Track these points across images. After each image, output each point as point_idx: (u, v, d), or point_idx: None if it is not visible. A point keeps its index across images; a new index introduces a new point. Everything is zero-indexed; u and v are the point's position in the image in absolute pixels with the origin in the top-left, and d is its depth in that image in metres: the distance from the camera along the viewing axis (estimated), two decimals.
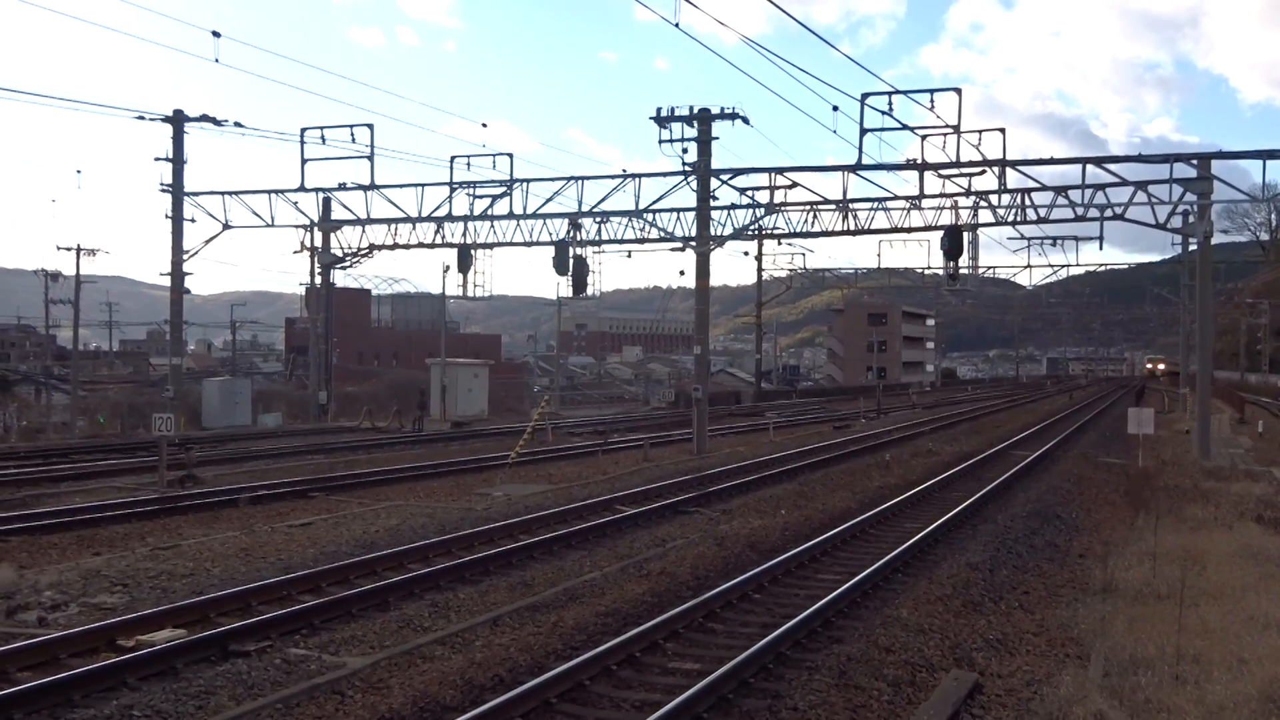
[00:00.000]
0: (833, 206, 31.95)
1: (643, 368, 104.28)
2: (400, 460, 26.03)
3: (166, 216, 34.72)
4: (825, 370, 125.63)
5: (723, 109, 28.87)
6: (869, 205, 32.16)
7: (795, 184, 30.85)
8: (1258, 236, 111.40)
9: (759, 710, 7.90)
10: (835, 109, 26.00)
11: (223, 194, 35.22)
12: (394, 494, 19.89)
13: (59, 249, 54.60)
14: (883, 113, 26.25)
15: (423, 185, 33.03)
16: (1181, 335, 58.75)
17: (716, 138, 29.07)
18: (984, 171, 28.31)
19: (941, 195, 29.95)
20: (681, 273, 65.69)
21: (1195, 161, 27.30)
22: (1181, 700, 7.58)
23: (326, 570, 12.26)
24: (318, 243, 37.89)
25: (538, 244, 32.62)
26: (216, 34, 27.12)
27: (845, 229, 32.13)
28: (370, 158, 32.11)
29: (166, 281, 35.89)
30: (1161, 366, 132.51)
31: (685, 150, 28.75)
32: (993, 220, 30.60)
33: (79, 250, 46.27)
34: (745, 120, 28.87)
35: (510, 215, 32.06)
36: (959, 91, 27.03)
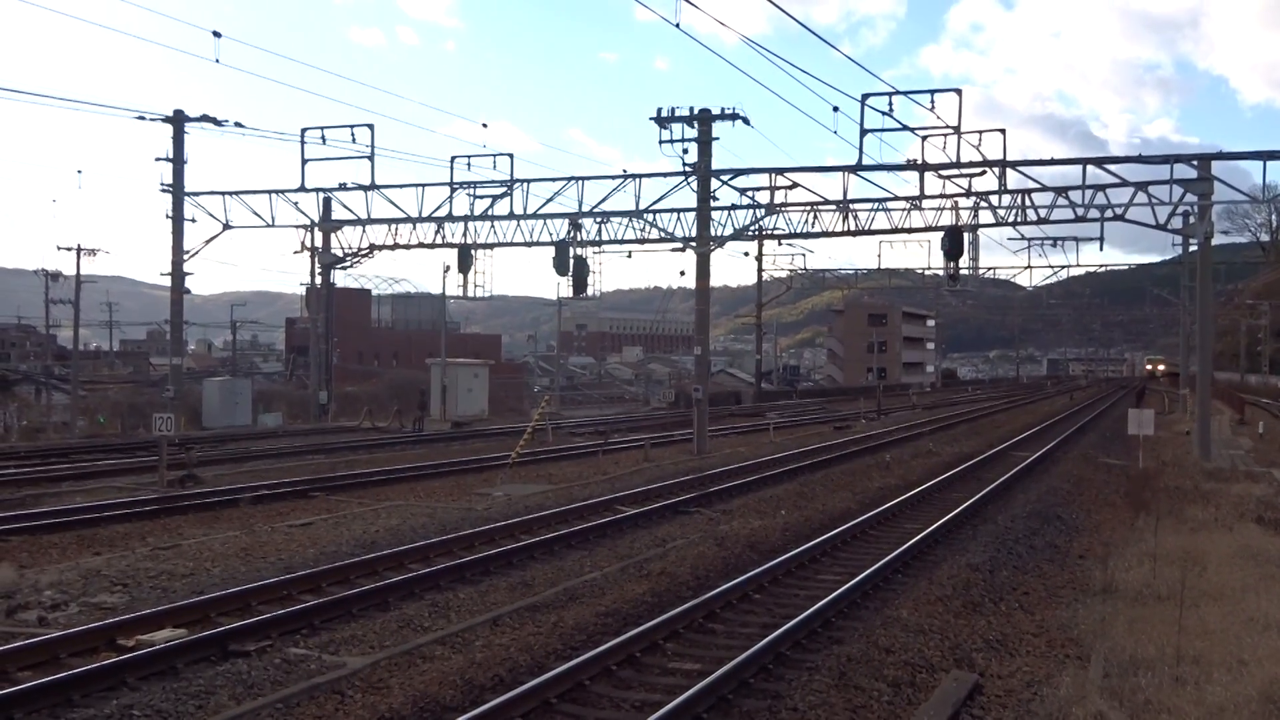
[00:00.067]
0: (833, 207, 31.96)
1: (643, 368, 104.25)
2: (400, 460, 26.03)
3: (167, 216, 34.75)
4: (825, 371, 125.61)
5: (723, 109, 28.89)
6: (869, 206, 32.20)
7: (795, 184, 30.89)
8: (1258, 237, 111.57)
9: (759, 711, 7.90)
10: (835, 109, 26.03)
11: (223, 194, 35.26)
12: (394, 494, 19.89)
13: (59, 249, 54.72)
14: (883, 113, 26.28)
15: (423, 185, 33.10)
16: (1181, 336, 58.77)
17: (717, 138, 29.12)
18: (984, 172, 28.32)
19: (942, 196, 29.98)
20: (682, 273, 65.64)
21: (1195, 162, 27.30)
22: (1181, 701, 7.58)
23: (327, 570, 12.26)
24: (318, 243, 37.90)
25: (538, 244, 32.65)
26: (217, 34, 27.16)
27: (845, 229, 32.14)
28: (370, 158, 32.15)
29: (167, 281, 35.91)
30: (1161, 367, 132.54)
31: (685, 151, 28.77)
32: (993, 221, 30.63)
33: (79, 250, 46.31)
34: (745, 121, 28.88)
35: (510, 215, 32.07)
36: (959, 92, 27.08)
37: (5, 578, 11.71)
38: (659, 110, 28.57)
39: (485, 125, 62.74)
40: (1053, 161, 29.05)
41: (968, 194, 29.54)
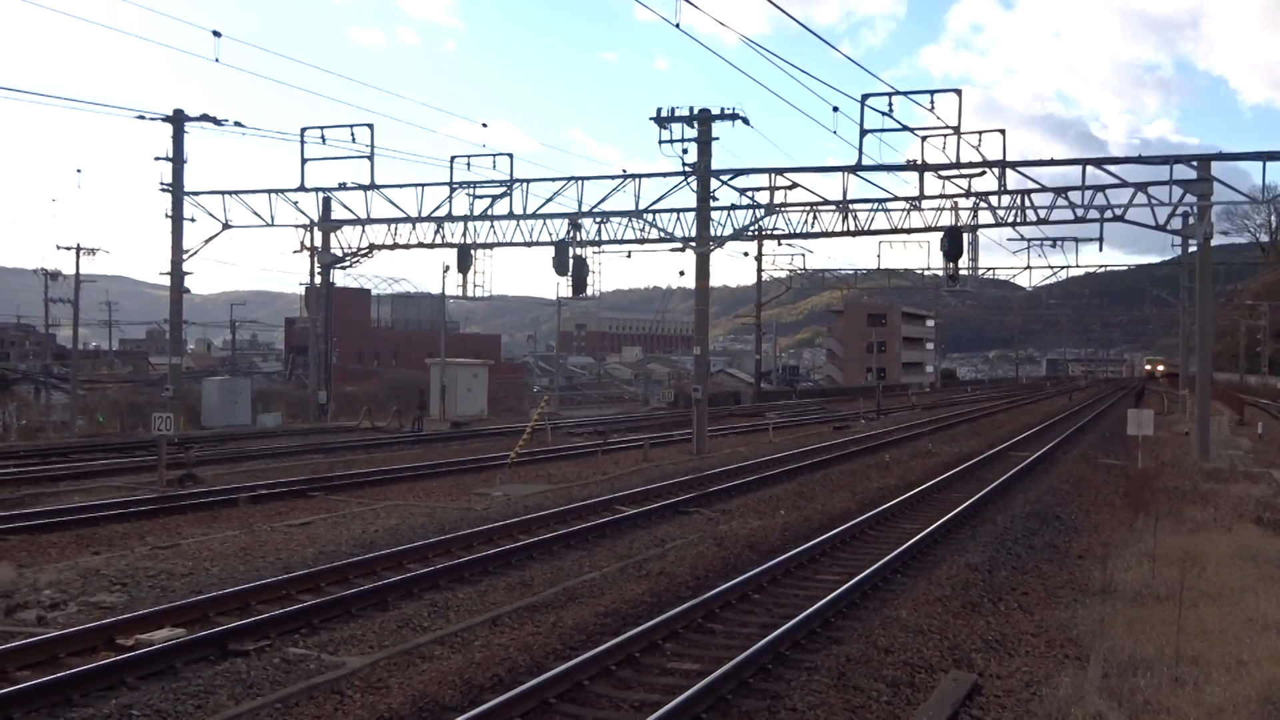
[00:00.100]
0: (833, 207, 31.95)
1: (642, 368, 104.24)
2: (400, 460, 26.03)
3: (166, 216, 34.75)
4: (825, 371, 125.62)
5: (723, 109, 28.90)
6: (869, 206, 32.18)
7: (795, 184, 30.87)
8: (1257, 238, 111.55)
9: (758, 711, 7.90)
10: (835, 110, 26.02)
11: (223, 193, 35.23)
12: (393, 494, 19.88)
13: (59, 248, 54.76)
14: (883, 113, 26.27)
15: (423, 185, 33.05)
16: (1181, 337, 58.78)
17: (716, 138, 29.12)
18: (984, 172, 28.32)
19: (941, 196, 29.96)
20: (681, 273, 65.70)
21: (1195, 163, 27.30)
22: (1180, 702, 7.58)
23: (326, 570, 12.25)
24: (318, 242, 37.89)
25: (538, 244, 32.62)
26: (217, 33, 27.15)
27: (845, 230, 32.12)
28: (370, 158, 32.12)
29: (166, 281, 35.91)
30: (1161, 368, 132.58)
31: (685, 151, 28.77)
32: (992, 221, 30.61)
33: (79, 249, 46.33)
34: (745, 121, 28.89)
35: (510, 215, 32.05)
36: (959, 92, 27.08)
37: (4, 577, 11.71)
38: (659, 110, 28.60)
39: (485, 125, 62.91)
40: (1052, 162, 29.06)
41: (967, 194, 29.55)
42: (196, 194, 35.27)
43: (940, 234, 30.69)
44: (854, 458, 28.12)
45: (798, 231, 33.63)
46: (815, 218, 32.59)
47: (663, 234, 31.68)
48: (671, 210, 31.32)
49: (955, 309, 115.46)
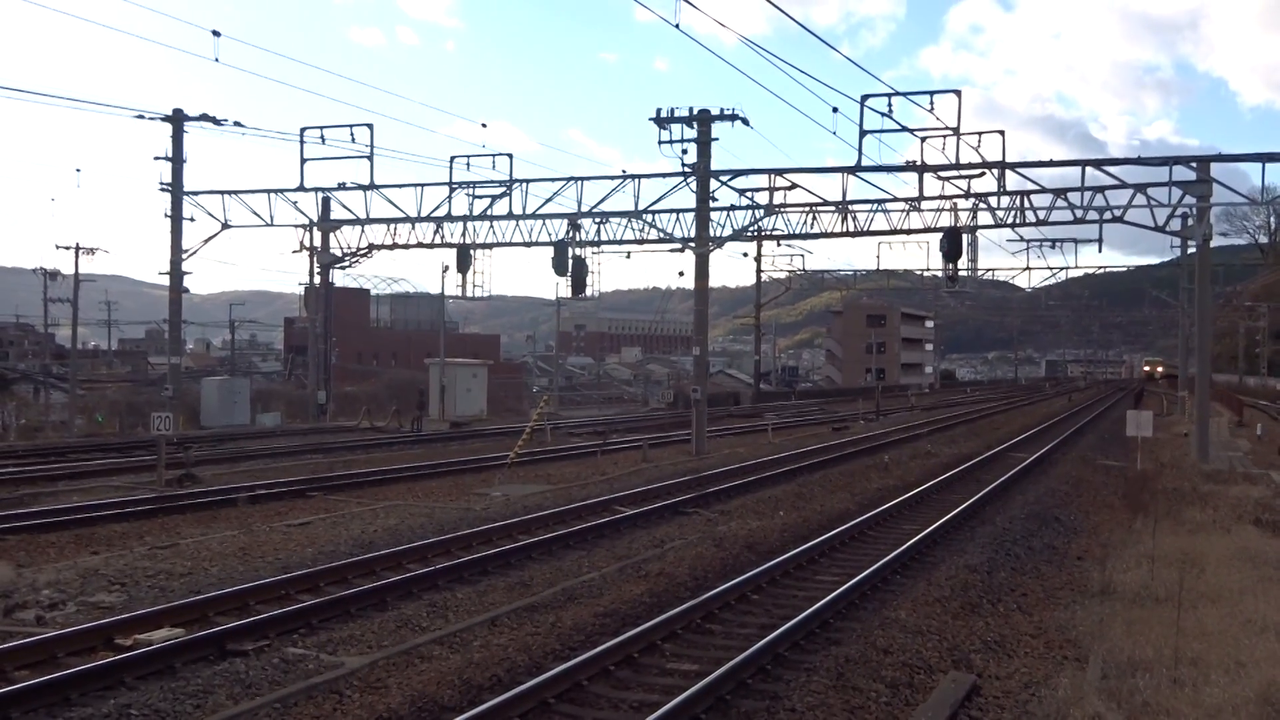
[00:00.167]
0: (832, 208, 31.94)
1: (641, 368, 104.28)
2: (399, 460, 26.02)
3: (166, 216, 34.73)
4: (824, 372, 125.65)
5: (722, 110, 28.88)
6: (868, 207, 32.18)
7: (795, 185, 30.85)
8: (1257, 239, 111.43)
9: (757, 711, 7.90)
10: (835, 110, 26.01)
11: (222, 193, 35.20)
12: (392, 494, 19.88)
13: (58, 248, 54.46)
14: (882, 114, 26.27)
15: (422, 185, 33.01)
16: (1180, 338, 58.76)
17: (716, 139, 29.11)
18: (983, 173, 28.31)
19: (941, 197, 29.95)
20: (681, 273, 65.78)
21: (1194, 164, 27.29)
22: (1179, 703, 7.58)
23: (325, 570, 12.25)
24: (317, 242, 37.87)
25: (537, 244, 32.61)
26: (217, 33, 27.15)
27: (844, 230, 32.12)
28: (370, 158, 32.09)
29: (165, 281, 35.89)
30: (1160, 369, 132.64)
31: (685, 151, 28.76)
32: (992, 222, 30.61)
33: (78, 249, 46.34)
34: (745, 121, 28.89)
35: (510, 215, 32.04)
36: (959, 93, 27.08)
37: (3, 577, 11.70)
38: (658, 111, 28.59)
39: (485, 125, 62.90)
40: (1052, 163, 29.02)
41: (967, 195, 29.55)
42: (196, 194, 35.28)
43: (939, 235, 30.69)
44: (853, 459, 28.12)
45: (797, 232, 33.65)
46: (815, 218, 32.60)
47: (662, 234, 31.68)
48: (671, 211, 31.34)
49: (954, 310, 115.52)
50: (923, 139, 27.34)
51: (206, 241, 35.71)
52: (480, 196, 32.27)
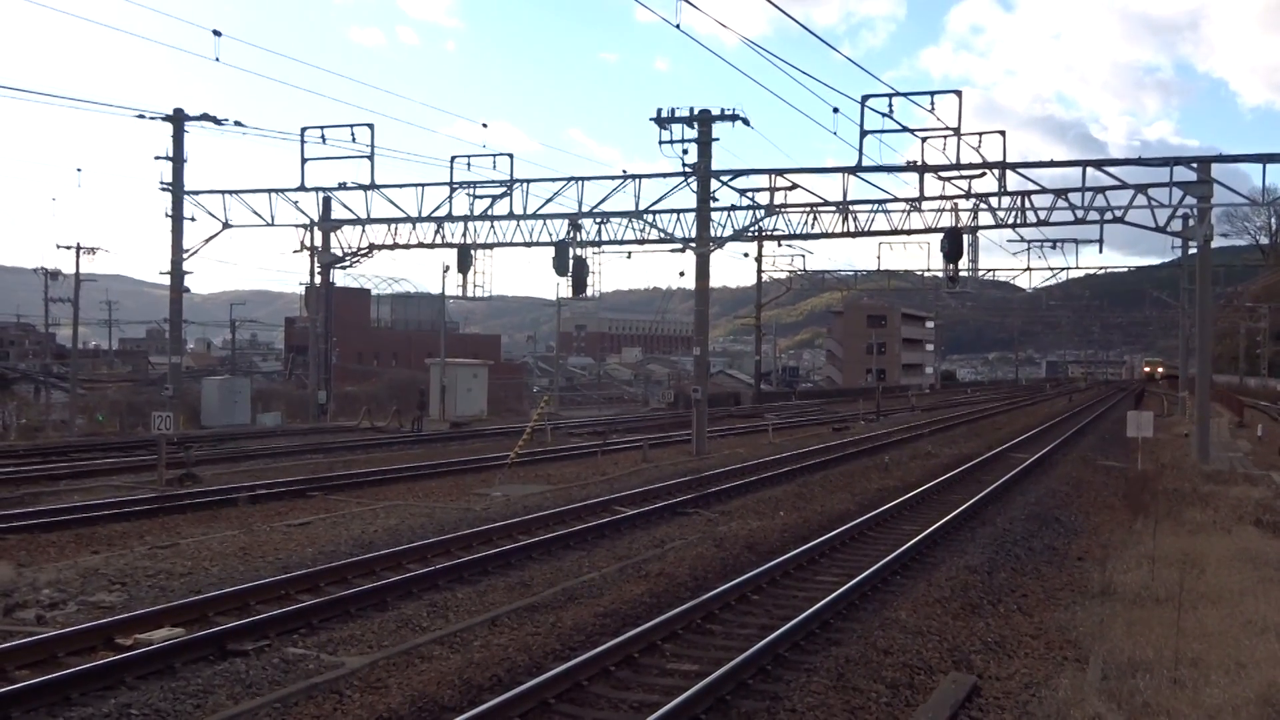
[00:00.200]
0: (833, 208, 31.93)
1: (642, 368, 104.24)
2: (399, 460, 26.02)
3: (166, 215, 34.73)
4: (824, 372, 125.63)
5: (723, 110, 28.88)
6: (869, 207, 32.16)
7: (795, 185, 30.85)
8: (1257, 240, 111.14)
9: (757, 712, 7.90)
10: (835, 111, 26.00)
11: (223, 193, 35.23)
12: (392, 494, 19.88)
13: (59, 247, 54.57)
14: (883, 115, 26.27)
15: (423, 185, 33.03)
16: (1181, 339, 58.75)
17: (717, 139, 29.11)
18: (984, 174, 28.32)
19: (941, 197, 29.95)
20: (681, 274, 65.60)
21: (1195, 165, 27.29)
22: (1179, 704, 7.58)
23: (325, 570, 12.25)
24: (317, 242, 37.88)
25: (538, 244, 32.61)
26: (217, 33, 27.16)
27: (845, 231, 32.11)
28: (370, 157, 32.12)
29: (166, 280, 35.88)
30: (1160, 370, 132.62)
31: (685, 151, 28.77)
32: (992, 223, 30.61)
33: (79, 248, 46.38)
34: (745, 121, 28.88)
35: (510, 215, 32.04)
36: (959, 94, 27.08)
37: (3, 576, 11.71)
38: (659, 111, 28.59)
39: (485, 125, 62.63)
40: (1052, 164, 29.02)
41: (967, 195, 29.55)
42: (196, 193, 35.30)
43: (940, 235, 30.67)
44: (853, 459, 28.12)
45: (798, 232, 33.63)
46: (815, 219, 32.59)
47: (663, 235, 31.68)
48: (671, 211, 31.35)
49: (955, 310, 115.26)
50: (923, 139, 27.35)
51: (207, 241, 35.78)
52: (481, 196, 32.30)
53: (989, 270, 61.95)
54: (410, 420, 38.37)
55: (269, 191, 34.77)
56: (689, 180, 29.46)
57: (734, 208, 31.46)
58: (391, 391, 48.03)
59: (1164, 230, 28.28)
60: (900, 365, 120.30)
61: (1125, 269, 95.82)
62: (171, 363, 37.49)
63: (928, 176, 28.60)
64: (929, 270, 55.72)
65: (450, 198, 32.45)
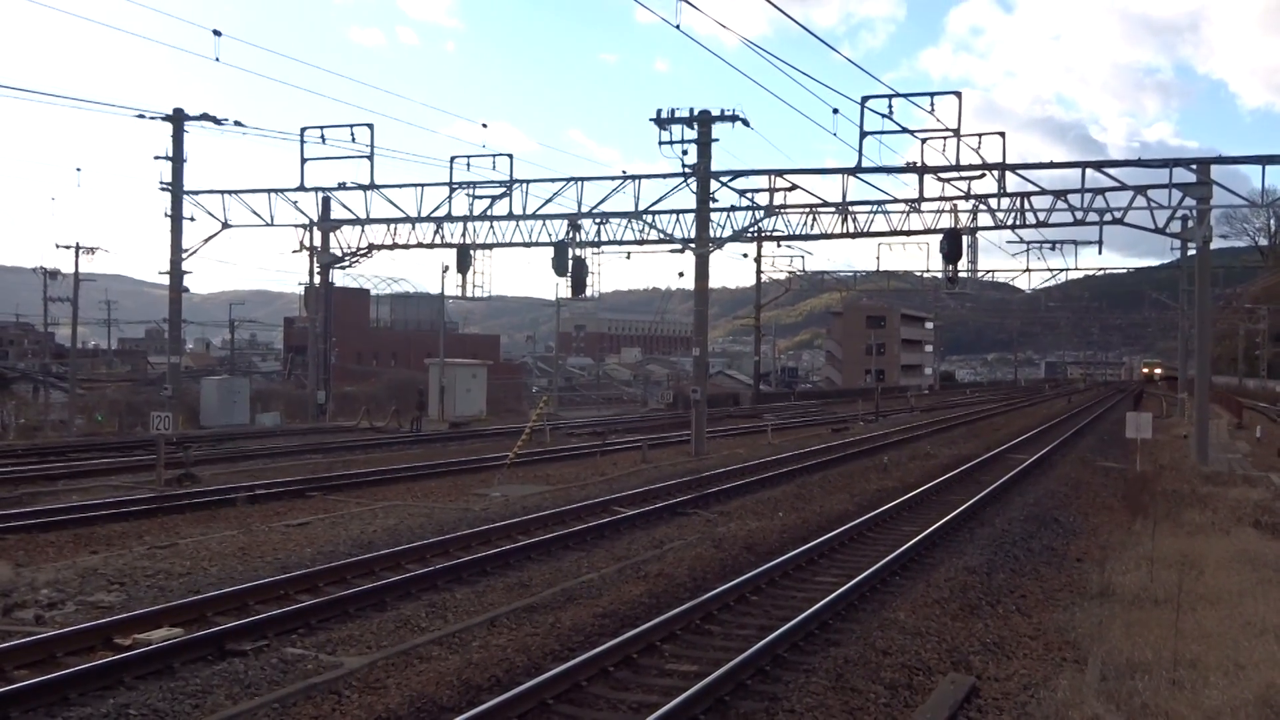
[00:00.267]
0: (832, 209, 31.93)
1: (641, 369, 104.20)
2: (398, 460, 26.02)
3: (166, 215, 34.73)
4: (824, 373, 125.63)
5: (723, 111, 28.87)
6: (868, 208, 32.14)
7: (795, 186, 30.84)
8: (1256, 242, 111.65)
9: (756, 713, 7.90)
10: (835, 111, 25.99)
11: (222, 193, 35.22)
12: (392, 494, 19.87)
13: (58, 247, 54.48)
14: (883, 115, 26.27)
15: (422, 185, 33.01)
16: (1180, 340, 58.76)
17: (716, 139, 29.10)
18: (983, 175, 28.32)
19: (941, 198, 29.94)
20: (680, 274, 65.66)
21: (1195, 166, 27.30)
22: (1178, 705, 7.58)
23: (324, 570, 12.25)
24: (317, 242, 37.88)
25: (537, 245, 32.60)
26: (217, 33, 27.16)
27: (844, 231, 32.09)
28: (370, 157, 32.12)
29: (165, 280, 35.88)
30: (1158, 371, 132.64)
31: (685, 152, 28.76)
32: (992, 224, 30.59)
33: (78, 248, 46.39)
34: (745, 122, 28.88)
35: (510, 216, 32.04)
36: (959, 95, 27.09)
37: (2, 576, 11.70)
38: (659, 111, 28.57)
39: (485, 125, 62.64)
40: (1052, 165, 29.03)
41: (967, 196, 29.55)
42: (196, 193, 35.29)
43: (939, 236, 30.66)
44: (852, 460, 28.12)
45: (797, 233, 33.59)
46: (815, 219, 32.57)
47: (662, 235, 31.67)
48: (671, 211, 31.34)
49: (954, 311, 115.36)
50: (923, 140, 27.36)
51: (206, 241, 35.78)
52: (480, 197, 32.29)
53: (988, 271, 62.24)
54: (409, 420, 38.37)
55: (269, 191, 34.80)
56: (688, 181, 29.47)
57: (733, 208, 31.47)
58: (390, 392, 48.03)
59: (1163, 232, 28.29)
60: (899, 366, 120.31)
61: (1124, 270, 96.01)
62: (170, 363, 37.49)
63: (927, 177, 28.60)
64: (928, 271, 55.64)
65: (450, 198, 32.47)
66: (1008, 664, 9.25)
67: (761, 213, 31.60)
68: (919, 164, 27.95)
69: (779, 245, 50.98)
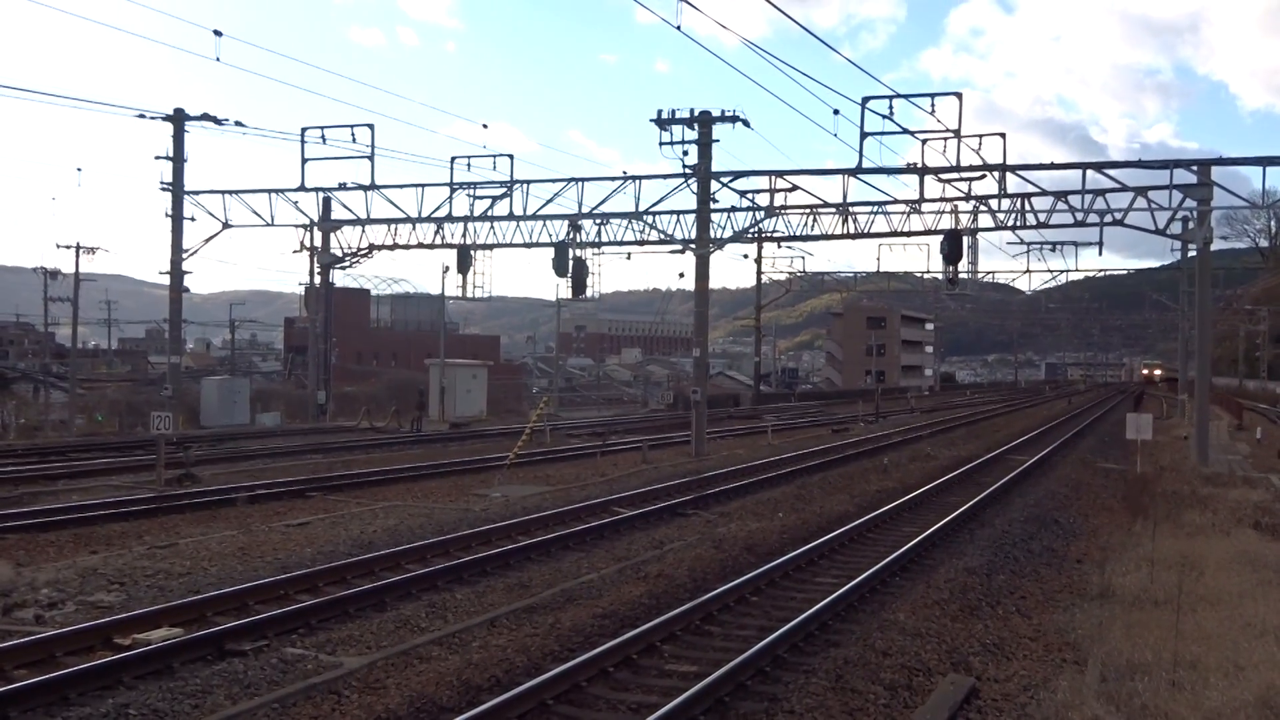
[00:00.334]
0: (833, 210, 31.91)
1: (641, 370, 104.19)
2: (398, 460, 26.01)
3: (166, 215, 34.71)
4: (824, 373, 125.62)
5: (723, 111, 28.87)
6: (869, 209, 32.11)
7: (795, 187, 30.83)
8: (1257, 243, 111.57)
9: (755, 713, 7.90)
10: (836, 112, 25.98)
11: (223, 193, 35.20)
12: (392, 494, 19.87)
13: (59, 247, 54.63)
14: (883, 116, 26.26)
15: (423, 186, 32.99)
16: (1180, 341, 58.77)
17: (717, 140, 29.10)
18: (984, 176, 28.31)
19: (941, 199, 29.93)
20: (681, 275, 65.38)
21: (1195, 167, 27.29)
22: (1178, 706, 7.57)
23: (324, 570, 12.25)
24: (317, 242, 37.87)
25: (537, 245, 32.58)
26: (218, 33, 27.16)
27: (845, 232, 32.08)
28: (370, 158, 32.10)
29: (166, 280, 35.85)
30: (1158, 372, 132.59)
31: (685, 152, 28.76)
32: (992, 225, 30.57)
33: (78, 248, 46.44)
34: (745, 123, 28.88)
35: (510, 216, 32.03)
36: (959, 96, 27.06)
37: (2, 576, 11.70)
38: (659, 112, 28.58)
39: (485, 126, 62.63)
40: (1052, 166, 29.00)
41: (967, 197, 29.53)
42: (196, 193, 35.27)
43: (940, 237, 30.63)
44: (852, 460, 28.12)
45: (797, 234, 33.56)
46: (815, 220, 32.55)
47: (663, 236, 31.67)
48: (671, 212, 31.32)
49: (955, 312, 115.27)
50: (923, 141, 27.35)
51: (207, 241, 35.75)
52: (481, 197, 32.27)
53: (988, 272, 62.17)
54: (409, 421, 38.37)
55: (269, 191, 34.78)
56: (689, 181, 29.47)
57: (734, 209, 31.46)
58: (391, 392, 48.03)
59: (1164, 233, 28.28)
60: (899, 367, 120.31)
61: (1125, 271, 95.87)
62: (171, 363, 37.47)
63: (928, 178, 28.60)
64: (929, 272, 55.66)
65: (450, 198, 32.45)
66: (1007, 665, 9.25)
67: (762, 213, 31.60)
68: (919, 165, 27.95)
69: (779, 246, 51.09)
